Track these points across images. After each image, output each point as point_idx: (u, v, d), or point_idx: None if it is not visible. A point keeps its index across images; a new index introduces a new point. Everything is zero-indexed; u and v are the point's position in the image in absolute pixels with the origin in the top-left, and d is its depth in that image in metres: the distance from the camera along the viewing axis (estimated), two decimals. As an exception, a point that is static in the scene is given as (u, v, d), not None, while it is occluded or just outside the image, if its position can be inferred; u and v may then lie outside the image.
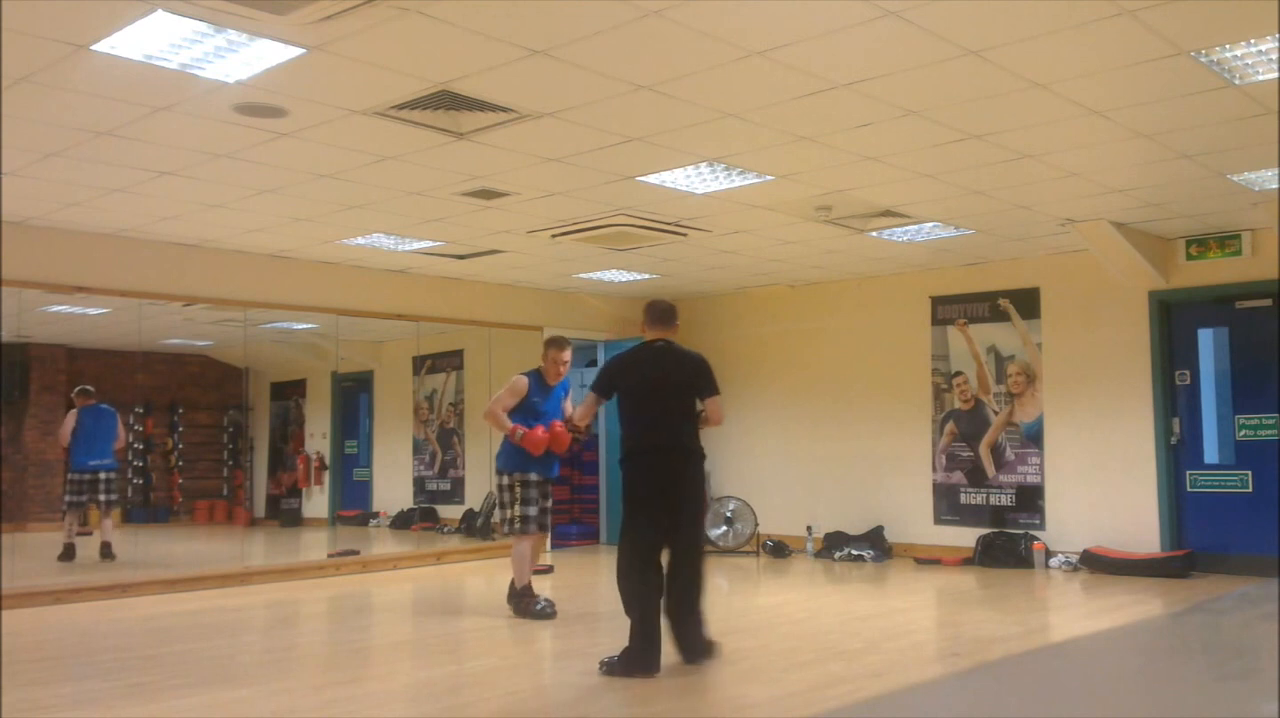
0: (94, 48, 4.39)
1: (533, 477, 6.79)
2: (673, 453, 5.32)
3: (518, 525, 6.76)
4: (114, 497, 10.18)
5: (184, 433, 13.35)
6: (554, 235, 8.15)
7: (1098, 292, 8.93)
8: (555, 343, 6.92)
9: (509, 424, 6.70)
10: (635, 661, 5.04)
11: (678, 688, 5.04)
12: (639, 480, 5.31)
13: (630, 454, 5.34)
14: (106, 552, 9.69)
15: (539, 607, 6.68)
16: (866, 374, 10.34)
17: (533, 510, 6.78)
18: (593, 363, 11.96)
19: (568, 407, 6.92)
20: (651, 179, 6.61)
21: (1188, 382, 8.67)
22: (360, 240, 8.31)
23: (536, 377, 6.88)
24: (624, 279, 10.38)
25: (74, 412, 10.10)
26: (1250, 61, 4.76)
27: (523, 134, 5.65)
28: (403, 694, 4.89)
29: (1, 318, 8.24)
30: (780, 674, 5.16)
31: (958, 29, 4.35)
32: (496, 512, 6.97)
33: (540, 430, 6.67)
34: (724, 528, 10.47)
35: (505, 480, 6.87)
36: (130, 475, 13.03)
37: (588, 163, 6.24)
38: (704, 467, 5.49)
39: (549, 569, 9.14)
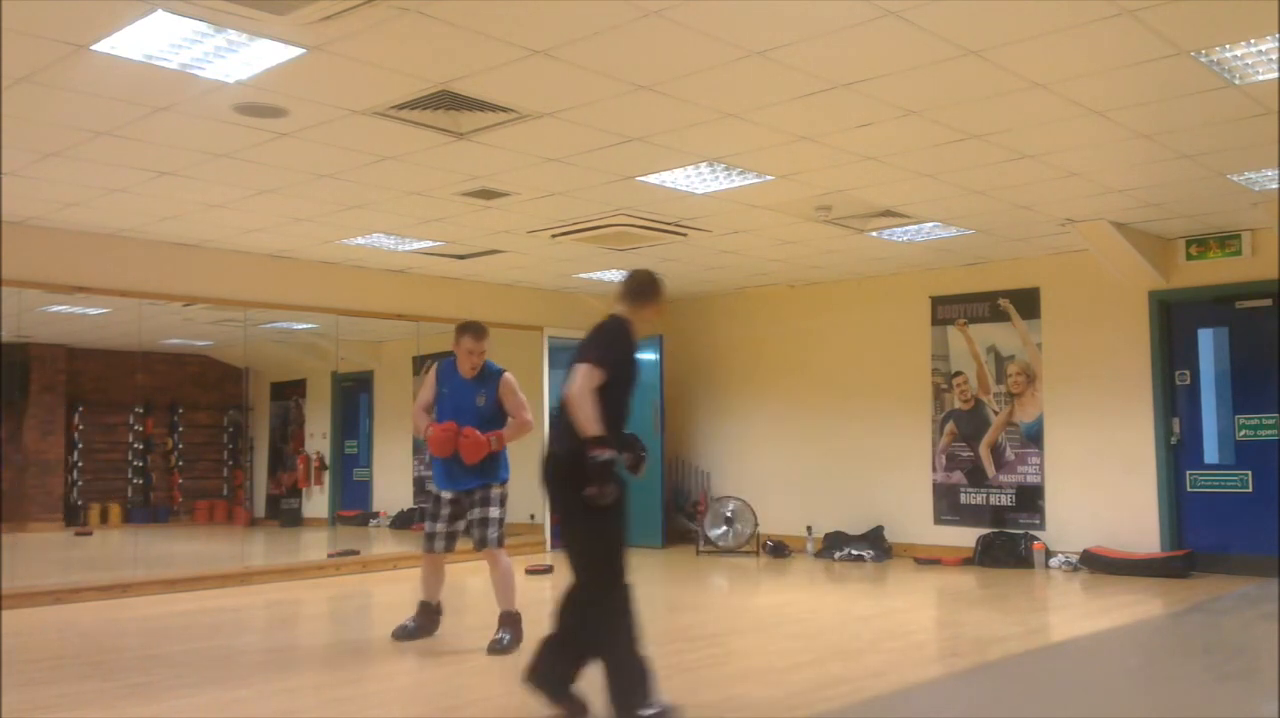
0: (94, 48, 4.39)
1: (434, 490, 5.92)
2: (549, 460, 4.37)
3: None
4: None
5: (184, 433, 13.36)
6: (554, 235, 8.16)
7: (1098, 292, 8.93)
8: (463, 329, 5.83)
9: (421, 424, 5.89)
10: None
11: (678, 689, 5.04)
12: None
13: None
14: None
15: (401, 625, 5.96)
16: (866, 374, 10.33)
17: (427, 527, 5.89)
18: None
19: (517, 406, 5.85)
20: (651, 179, 6.61)
21: (1188, 382, 8.67)
22: (360, 240, 8.31)
23: (450, 365, 5.89)
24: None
25: None
26: (1250, 61, 4.76)
27: (523, 134, 5.65)
28: (402, 694, 4.89)
29: (1, 318, 8.24)
30: (780, 674, 5.15)
31: (958, 29, 4.35)
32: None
33: (451, 427, 5.70)
34: (724, 528, 10.47)
35: None
36: (130, 475, 13.03)
37: (588, 163, 6.24)
38: (589, 478, 4.02)
39: (548, 570, 9.13)
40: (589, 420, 3.96)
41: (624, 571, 4.17)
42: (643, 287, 4.38)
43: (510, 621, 5.71)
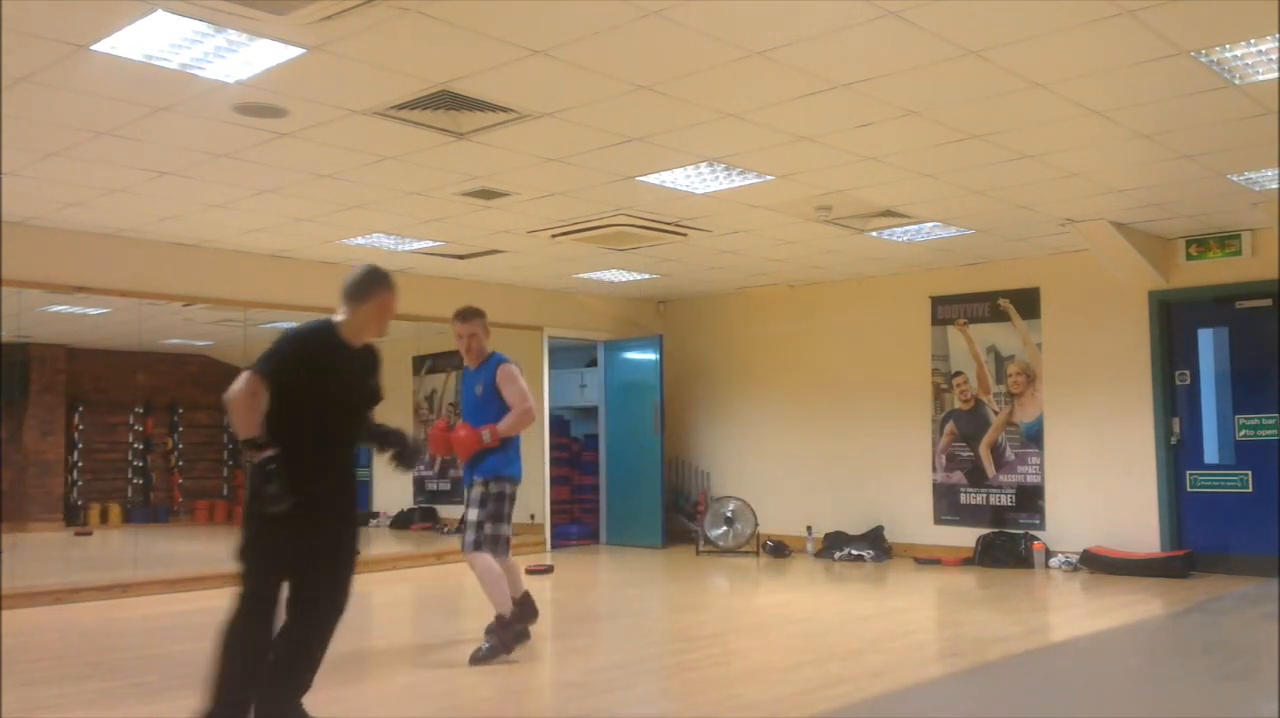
0: (94, 48, 4.39)
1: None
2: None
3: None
4: None
5: (184, 433, 13.37)
6: (554, 235, 8.15)
7: (1098, 292, 8.93)
8: (453, 316, 5.77)
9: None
10: None
11: (678, 689, 5.05)
12: None
13: None
14: None
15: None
16: (866, 374, 10.33)
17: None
18: (592, 363, 11.96)
19: (514, 395, 5.58)
20: (651, 179, 6.61)
21: (1188, 382, 8.67)
22: (360, 240, 8.31)
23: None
24: (624, 279, 10.39)
25: None
26: (1250, 61, 4.76)
27: (523, 134, 5.65)
28: (401, 695, 4.89)
29: (1, 318, 8.24)
30: (780, 674, 5.16)
31: (958, 29, 4.35)
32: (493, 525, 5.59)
33: (442, 425, 5.86)
34: (724, 528, 10.47)
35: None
36: (130, 475, 13.04)
37: (588, 163, 6.24)
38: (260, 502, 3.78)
39: (549, 570, 9.13)
40: (241, 425, 3.78)
41: (259, 599, 3.89)
42: (354, 285, 4.03)
43: (497, 625, 5.42)
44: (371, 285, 4.03)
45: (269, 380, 3.81)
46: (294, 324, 4.08)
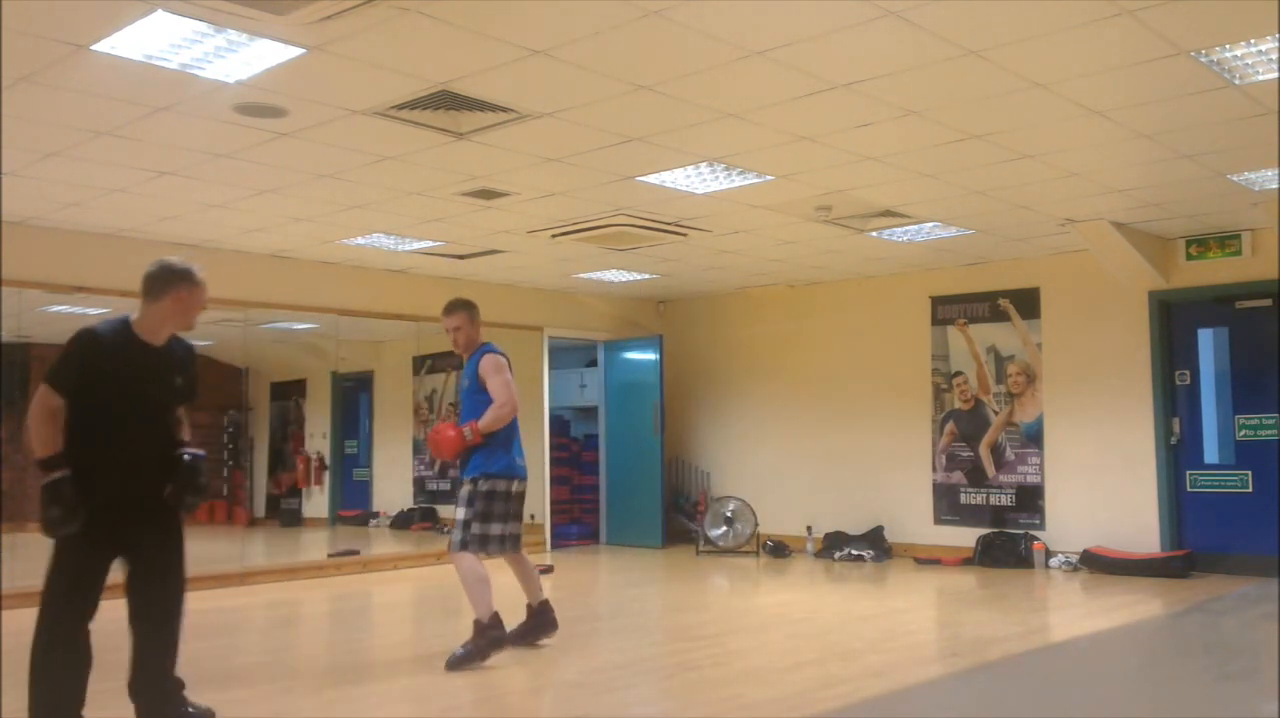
0: (94, 48, 4.39)
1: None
2: None
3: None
4: None
5: (184, 433, 13.29)
6: (554, 235, 8.16)
7: (1098, 292, 8.94)
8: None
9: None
10: None
11: (678, 689, 5.05)
12: None
13: None
14: None
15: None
16: (866, 374, 10.34)
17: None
18: (592, 363, 11.96)
19: (493, 386, 5.46)
20: (651, 179, 6.61)
21: (1188, 382, 8.67)
22: (360, 240, 8.31)
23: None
24: (624, 279, 10.39)
25: None
26: (1250, 61, 4.76)
27: (523, 134, 5.65)
28: (401, 695, 4.89)
29: (1, 318, 8.23)
30: (780, 674, 5.16)
31: (958, 29, 4.35)
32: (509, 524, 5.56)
33: (437, 426, 5.86)
34: (724, 528, 10.47)
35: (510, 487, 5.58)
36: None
37: (588, 163, 6.24)
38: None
39: (548, 570, 9.13)
40: (37, 442, 3.71)
41: (66, 619, 3.89)
42: (148, 280, 3.85)
43: (475, 630, 5.28)
44: (166, 282, 3.85)
45: (63, 390, 3.72)
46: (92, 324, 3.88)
